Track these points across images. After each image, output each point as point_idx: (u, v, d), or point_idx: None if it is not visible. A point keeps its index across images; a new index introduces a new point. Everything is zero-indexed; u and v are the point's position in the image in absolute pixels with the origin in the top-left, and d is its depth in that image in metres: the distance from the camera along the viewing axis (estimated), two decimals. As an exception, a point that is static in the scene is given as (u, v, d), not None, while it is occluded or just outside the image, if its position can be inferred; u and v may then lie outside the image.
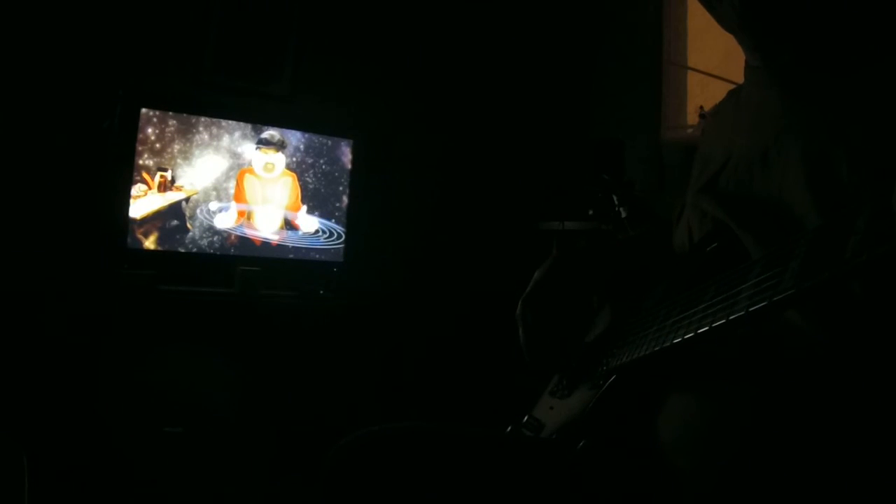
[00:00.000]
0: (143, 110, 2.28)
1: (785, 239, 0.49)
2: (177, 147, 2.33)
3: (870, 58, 0.60)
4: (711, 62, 2.43)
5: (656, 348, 0.62)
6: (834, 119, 0.58)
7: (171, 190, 2.31)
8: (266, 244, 2.49)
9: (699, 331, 0.55)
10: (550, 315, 0.83)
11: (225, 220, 2.40)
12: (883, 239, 0.38)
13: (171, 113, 2.32)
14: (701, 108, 2.35)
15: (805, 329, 0.56)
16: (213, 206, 2.38)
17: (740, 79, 0.78)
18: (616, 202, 2.17)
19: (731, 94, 0.82)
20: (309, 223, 2.56)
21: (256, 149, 2.46)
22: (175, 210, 2.32)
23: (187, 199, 2.34)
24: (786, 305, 0.47)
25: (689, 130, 2.52)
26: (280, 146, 2.50)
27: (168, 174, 2.31)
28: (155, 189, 2.29)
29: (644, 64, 2.67)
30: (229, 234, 2.43)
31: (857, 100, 0.58)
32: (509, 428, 0.90)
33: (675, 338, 0.59)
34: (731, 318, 0.50)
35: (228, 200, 2.42)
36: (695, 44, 2.56)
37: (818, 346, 0.56)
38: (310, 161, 2.56)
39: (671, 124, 2.61)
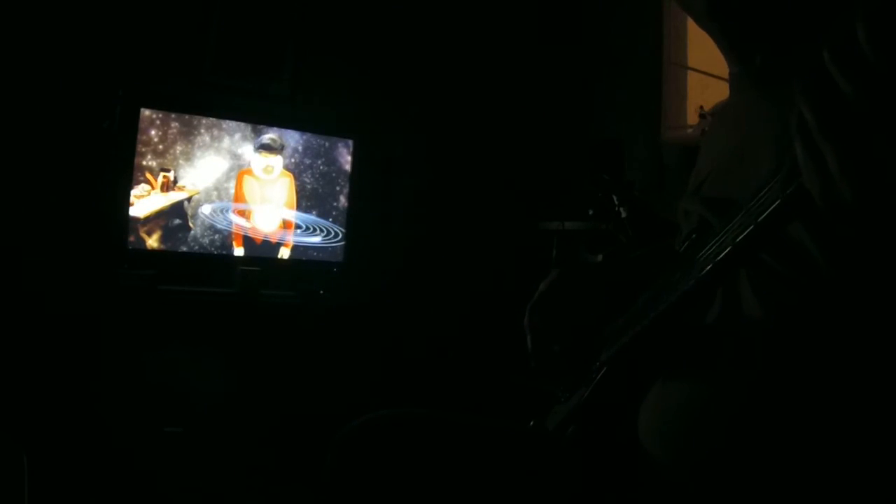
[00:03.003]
0: (146, 112, 2.29)
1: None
2: (179, 148, 2.34)
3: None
4: (711, 62, 2.43)
5: (633, 335, 0.66)
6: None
7: (173, 190, 2.33)
8: (266, 244, 2.50)
9: (664, 309, 0.59)
10: (555, 322, 0.86)
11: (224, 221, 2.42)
12: (788, 183, 0.40)
13: (173, 114, 2.33)
14: (701, 108, 2.35)
15: (763, 320, 0.58)
16: (206, 208, 2.39)
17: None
18: (616, 202, 2.17)
19: (720, 106, 0.83)
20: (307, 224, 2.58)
21: (255, 151, 2.46)
22: (177, 209, 2.34)
23: (189, 199, 2.36)
24: (730, 265, 0.50)
25: (689, 130, 2.52)
26: (280, 149, 2.51)
27: (171, 174, 2.32)
28: (158, 189, 2.30)
29: (644, 64, 2.67)
30: (230, 234, 2.43)
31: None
32: None
33: (646, 320, 0.63)
34: (685, 290, 0.55)
35: (229, 200, 2.42)
36: (695, 44, 2.56)
37: (771, 331, 0.58)
38: (308, 162, 2.56)
39: (671, 124, 2.60)
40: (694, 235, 0.68)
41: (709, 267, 0.51)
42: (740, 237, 0.46)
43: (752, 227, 0.45)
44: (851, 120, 0.34)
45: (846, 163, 0.35)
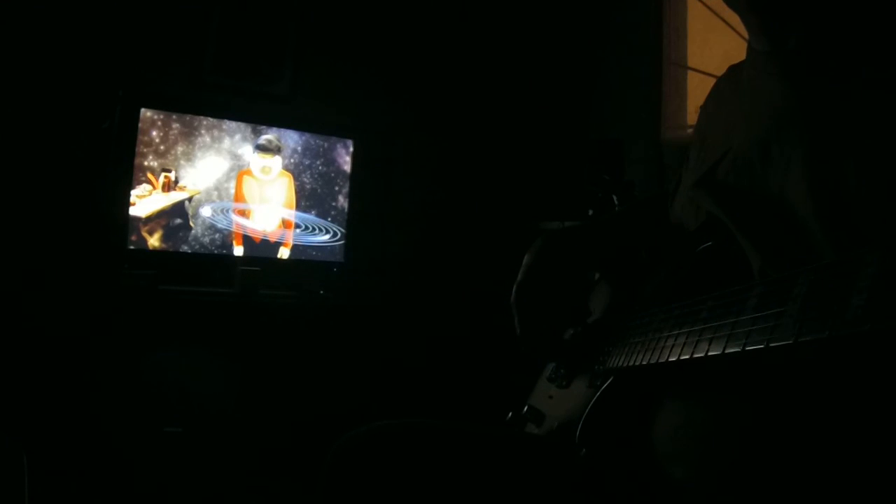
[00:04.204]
0: (147, 113, 2.29)
1: (785, 258, 0.47)
2: (180, 149, 2.35)
3: (884, 59, 0.56)
4: (711, 62, 2.43)
5: (650, 361, 0.62)
6: (842, 120, 0.54)
7: (174, 190, 2.33)
8: (266, 243, 2.50)
9: (694, 355, 0.54)
10: (545, 299, 0.80)
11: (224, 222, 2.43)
12: (889, 311, 0.34)
13: (174, 115, 2.33)
14: (701, 108, 2.35)
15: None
16: (207, 208, 2.39)
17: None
18: (616, 202, 2.17)
19: (732, 70, 0.77)
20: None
21: (254, 152, 2.47)
22: (178, 209, 2.34)
23: (190, 199, 2.36)
24: (782, 351, 0.44)
25: (689, 130, 2.52)
26: (276, 151, 2.51)
27: (172, 174, 2.33)
28: (159, 189, 2.31)
29: (644, 64, 2.67)
30: (230, 233, 2.43)
31: (870, 103, 0.54)
32: (509, 414, 0.89)
33: (669, 355, 0.58)
34: (726, 351, 0.49)
35: (229, 200, 2.43)
36: (695, 44, 2.56)
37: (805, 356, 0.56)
38: (307, 162, 2.57)
39: (671, 124, 2.60)
40: (710, 243, 0.64)
41: (760, 347, 0.46)
42: (804, 339, 0.40)
43: (826, 334, 0.39)
44: None
45: None
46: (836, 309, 0.38)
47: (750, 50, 0.69)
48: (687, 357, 0.55)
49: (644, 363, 0.62)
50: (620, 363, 0.69)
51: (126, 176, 2.25)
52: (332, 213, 2.61)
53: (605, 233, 0.88)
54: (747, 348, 0.47)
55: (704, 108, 0.83)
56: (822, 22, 0.60)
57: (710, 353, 0.51)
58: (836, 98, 0.57)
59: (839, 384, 0.54)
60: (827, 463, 0.55)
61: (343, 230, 2.62)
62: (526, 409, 0.87)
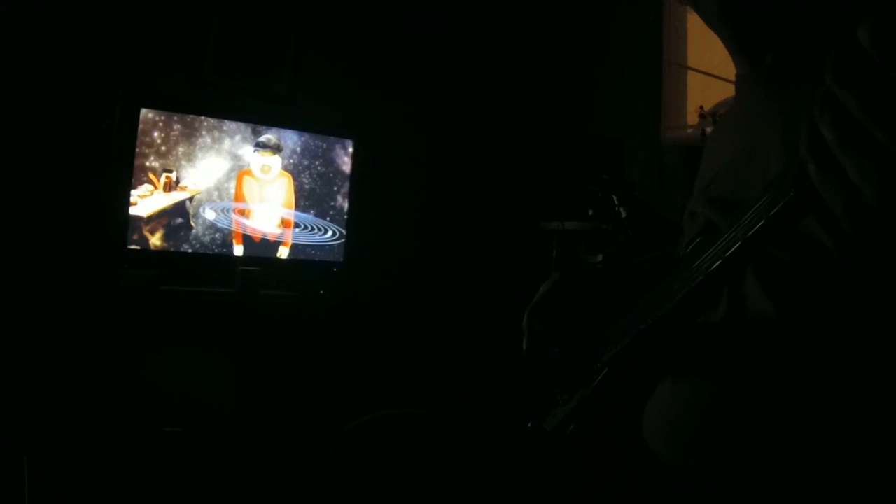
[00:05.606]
0: (149, 114, 2.30)
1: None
2: (181, 149, 2.35)
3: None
4: (711, 62, 2.43)
5: (641, 328, 0.65)
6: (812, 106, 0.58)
7: (175, 190, 2.34)
8: (265, 243, 2.50)
9: (669, 307, 0.58)
10: (554, 324, 0.85)
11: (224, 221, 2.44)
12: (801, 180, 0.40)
13: (175, 116, 2.34)
14: (701, 108, 2.35)
15: (774, 319, 0.57)
16: (207, 207, 2.39)
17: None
18: (616, 202, 2.17)
19: (722, 116, 0.83)
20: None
21: (254, 151, 2.47)
22: (179, 209, 2.35)
23: (191, 199, 2.37)
24: (740, 261, 0.49)
25: (689, 130, 2.52)
26: (276, 149, 2.51)
27: (173, 175, 2.33)
28: (160, 189, 2.31)
29: (644, 64, 2.67)
30: (230, 233, 2.44)
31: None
32: None
33: (649, 318, 0.62)
34: (692, 285, 0.54)
35: (229, 200, 2.43)
36: (695, 44, 2.56)
37: (785, 334, 0.57)
38: (306, 163, 2.57)
39: (671, 124, 2.61)
40: (699, 238, 0.68)
41: (718, 263, 0.50)
42: (751, 232, 0.46)
43: (763, 222, 0.45)
44: (866, 131, 0.34)
45: (867, 168, 0.35)
46: (769, 204, 0.45)
47: (736, 78, 0.74)
48: (664, 312, 0.59)
49: (632, 339, 0.66)
50: (614, 352, 0.71)
51: (126, 176, 2.26)
52: (332, 212, 2.61)
53: (617, 274, 0.94)
54: (710, 270, 0.51)
55: (702, 155, 0.86)
56: (795, 38, 0.63)
57: (681, 298, 0.55)
58: (808, 90, 0.59)
59: (838, 372, 0.55)
60: (821, 449, 0.56)
61: (342, 230, 2.62)
62: (529, 424, 0.89)
